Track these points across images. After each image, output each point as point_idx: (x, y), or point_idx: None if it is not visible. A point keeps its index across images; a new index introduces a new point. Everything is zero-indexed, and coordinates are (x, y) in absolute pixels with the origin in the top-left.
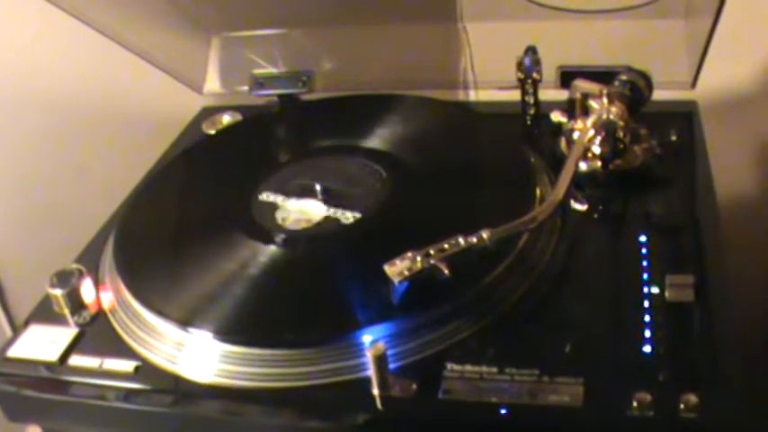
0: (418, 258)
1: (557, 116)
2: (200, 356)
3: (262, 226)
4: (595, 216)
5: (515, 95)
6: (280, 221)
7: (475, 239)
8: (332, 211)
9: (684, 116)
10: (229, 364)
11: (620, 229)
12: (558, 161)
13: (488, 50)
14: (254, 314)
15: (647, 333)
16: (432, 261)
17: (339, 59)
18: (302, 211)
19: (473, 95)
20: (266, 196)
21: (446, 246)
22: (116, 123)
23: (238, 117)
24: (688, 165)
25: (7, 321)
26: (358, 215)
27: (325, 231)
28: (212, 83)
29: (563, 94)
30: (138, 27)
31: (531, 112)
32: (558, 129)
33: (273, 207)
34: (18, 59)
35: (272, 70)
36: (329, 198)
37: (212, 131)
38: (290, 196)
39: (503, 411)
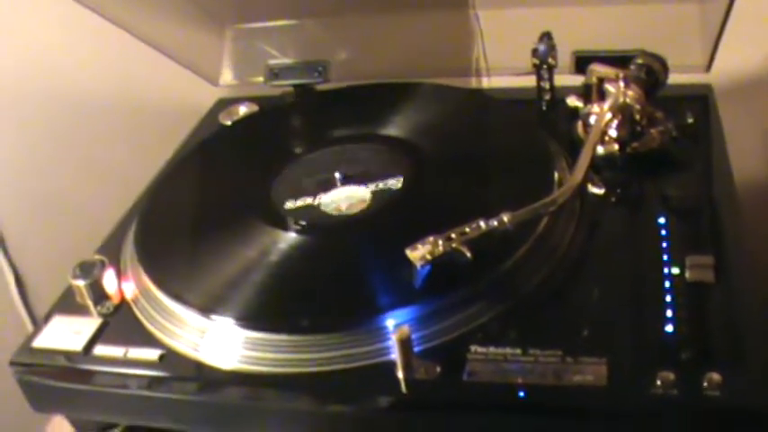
0: (440, 242)
1: (573, 101)
2: (222, 343)
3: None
4: (613, 199)
5: (529, 81)
6: (336, 213)
7: (496, 223)
8: (374, 186)
9: (699, 99)
10: (252, 351)
11: (639, 211)
12: (575, 146)
13: (501, 37)
14: (276, 300)
15: (669, 313)
16: (453, 245)
17: (352, 49)
18: (348, 197)
19: (486, 82)
20: (293, 204)
21: (467, 229)
22: (132, 116)
23: (255, 108)
24: (704, 147)
25: (27, 314)
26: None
27: (346, 218)
28: (227, 74)
29: (578, 80)
30: (152, 19)
31: (547, 97)
32: (574, 113)
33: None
34: (33, 53)
35: (286, 61)
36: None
37: (229, 122)
38: (315, 193)
39: (526, 392)
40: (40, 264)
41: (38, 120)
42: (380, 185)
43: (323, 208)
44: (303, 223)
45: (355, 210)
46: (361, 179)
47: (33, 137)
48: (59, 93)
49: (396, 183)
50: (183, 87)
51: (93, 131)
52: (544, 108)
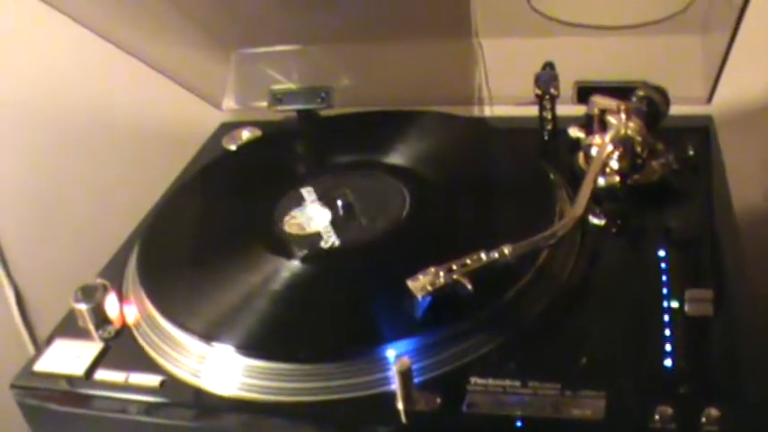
0: (441, 273)
1: (574, 131)
2: (222, 370)
3: (280, 238)
4: (614, 231)
5: (531, 111)
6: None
7: (497, 254)
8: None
9: (700, 131)
10: (253, 378)
11: (639, 243)
12: (576, 176)
13: (503, 66)
14: (277, 329)
15: (668, 347)
16: (454, 276)
17: (356, 75)
18: (309, 217)
19: (488, 111)
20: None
21: (468, 261)
22: (135, 139)
23: (258, 132)
24: (705, 179)
25: (27, 332)
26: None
27: (347, 247)
28: (231, 98)
29: (580, 110)
30: (157, 43)
31: (549, 127)
32: (575, 144)
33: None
34: (37, 75)
35: (290, 86)
36: (348, 212)
37: (232, 147)
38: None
39: (525, 425)
40: (41, 282)
41: (41, 140)
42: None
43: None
44: (305, 252)
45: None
46: (360, 208)
47: (36, 157)
48: (63, 114)
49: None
50: (187, 111)
51: (95, 153)
52: (546, 138)
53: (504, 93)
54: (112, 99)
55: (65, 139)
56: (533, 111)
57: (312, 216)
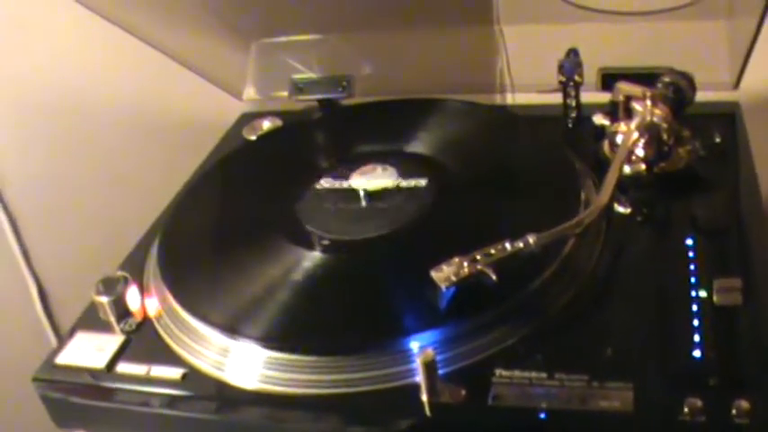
0: (465, 264)
1: (599, 119)
2: (245, 363)
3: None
4: (639, 219)
5: (553, 99)
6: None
7: (521, 244)
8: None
9: (727, 117)
10: (275, 371)
11: (666, 232)
12: (601, 164)
13: (525, 53)
14: (300, 321)
15: (696, 337)
16: (479, 266)
17: (377, 64)
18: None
19: (510, 99)
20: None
21: (493, 251)
22: (155, 130)
23: (278, 123)
24: (732, 167)
25: (50, 325)
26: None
27: (371, 237)
28: (251, 88)
29: (604, 97)
30: (177, 34)
31: (573, 115)
32: (600, 132)
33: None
34: (57, 68)
35: (311, 75)
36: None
37: (253, 137)
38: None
39: (551, 417)
40: (63, 275)
41: (61, 132)
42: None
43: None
44: (326, 242)
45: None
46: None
47: (56, 150)
48: (84, 105)
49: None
50: (207, 101)
51: (116, 145)
52: (570, 125)
53: (526, 80)
54: (133, 90)
55: (85, 131)
56: (556, 98)
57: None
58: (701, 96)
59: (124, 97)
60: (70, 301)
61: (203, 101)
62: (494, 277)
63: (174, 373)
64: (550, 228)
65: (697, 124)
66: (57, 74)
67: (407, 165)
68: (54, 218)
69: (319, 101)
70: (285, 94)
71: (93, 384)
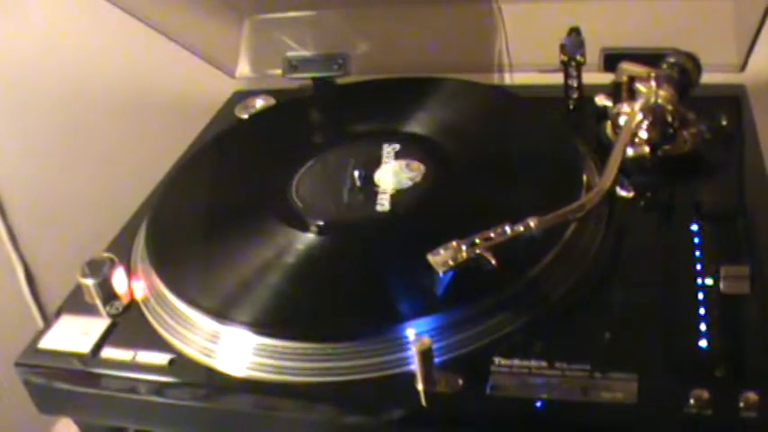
0: (463, 247)
1: (601, 100)
2: (235, 349)
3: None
4: (643, 204)
5: (552, 79)
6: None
7: (522, 228)
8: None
9: (733, 100)
10: (266, 358)
11: (670, 217)
12: (603, 146)
13: (524, 32)
14: (292, 306)
15: (703, 327)
16: (477, 250)
17: (373, 42)
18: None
19: (508, 78)
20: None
21: (492, 234)
22: (145, 108)
23: (272, 101)
24: (738, 151)
25: (37, 308)
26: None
27: (366, 219)
28: (245, 66)
29: (606, 78)
30: (168, 9)
31: (575, 95)
32: (602, 113)
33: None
34: (45, 44)
35: (305, 53)
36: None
37: (245, 116)
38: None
39: (552, 409)
40: (50, 258)
41: (48, 112)
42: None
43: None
44: (320, 223)
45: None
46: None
47: (43, 130)
48: (71, 83)
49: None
50: (199, 79)
51: (104, 124)
52: (571, 107)
53: (525, 59)
54: (122, 67)
55: (73, 110)
56: (554, 79)
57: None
58: (706, 78)
59: (112, 74)
60: (57, 284)
61: (194, 78)
62: (493, 262)
63: (161, 358)
64: (550, 211)
65: (702, 107)
66: (43, 51)
67: (404, 146)
68: (41, 198)
69: (313, 79)
70: (279, 71)
71: (77, 369)
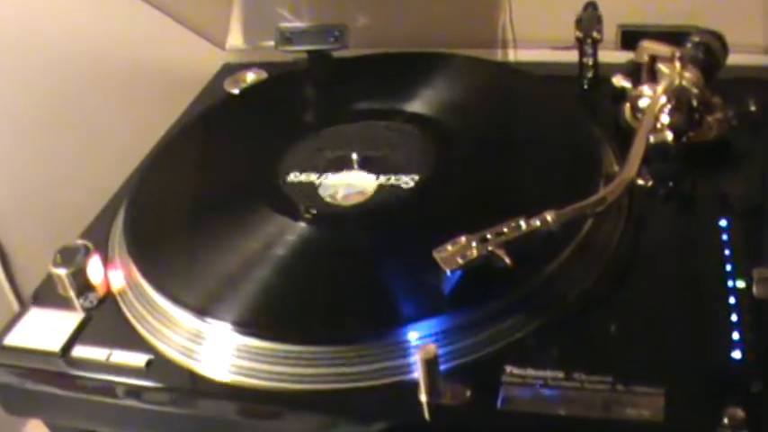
0: (473, 244)
1: (619, 80)
2: (218, 350)
3: (300, 205)
4: (666, 195)
5: (559, 56)
6: (329, 200)
7: (538, 222)
8: (384, 179)
9: (761, 84)
10: (252, 361)
11: (696, 211)
12: (621, 130)
13: (530, 6)
14: (282, 304)
15: (735, 335)
16: (489, 247)
17: (372, 14)
18: (350, 184)
19: (512, 55)
20: (295, 176)
21: (505, 230)
22: (129, 81)
23: (263, 75)
24: (766, 138)
25: (15, 297)
26: (417, 178)
27: (361, 209)
28: (235, 37)
29: (622, 56)
30: None
31: (590, 75)
32: (620, 94)
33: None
34: (25, 13)
35: (300, 24)
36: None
37: (235, 90)
38: (324, 171)
39: (570, 426)
40: (27, 237)
41: (27, 85)
42: (391, 180)
43: (320, 191)
44: (314, 212)
45: (350, 202)
46: (378, 164)
47: (22, 103)
48: (50, 53)
49: (409, 180)
50: (186, 50)
51: (86, 97)
52: (585, 87)
53: (530, 35)
54: (105, 35)
55: (52, 82)
56: (562, 56)
57: (351, 181)
58: (731, 60)
59: (94, 45)
60: (34, 265)
61: (182, 49)
62: (507, 260)
63: (138, 359)
64: (565, 203)
65: (728, 90)
66: (22, 18)
67: (406, 126)
68: (17, 174)
69: (309, 52)
70: (271, 44)
71: (46, 369)
